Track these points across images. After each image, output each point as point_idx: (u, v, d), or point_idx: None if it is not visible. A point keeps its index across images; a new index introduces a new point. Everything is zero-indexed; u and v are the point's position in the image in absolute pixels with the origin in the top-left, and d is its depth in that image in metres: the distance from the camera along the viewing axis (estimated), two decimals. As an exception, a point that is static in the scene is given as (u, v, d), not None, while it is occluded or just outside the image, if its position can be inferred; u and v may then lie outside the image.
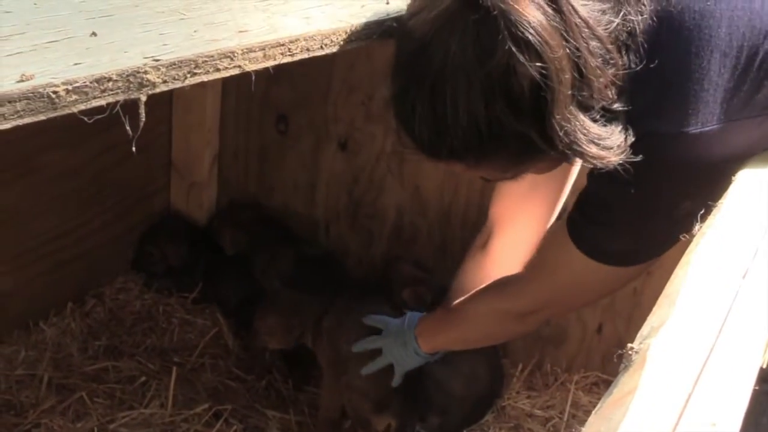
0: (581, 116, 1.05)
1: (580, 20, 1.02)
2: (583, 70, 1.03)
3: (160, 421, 1.95)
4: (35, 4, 1.01)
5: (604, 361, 2.16)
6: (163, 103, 2.35)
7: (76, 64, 0.84)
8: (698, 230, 1.03)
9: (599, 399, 0.88)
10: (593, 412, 0.74)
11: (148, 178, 2.42)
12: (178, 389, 2.02)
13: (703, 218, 1.06)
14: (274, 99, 2.35)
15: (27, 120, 0.78)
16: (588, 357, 2.19)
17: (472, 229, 2.01)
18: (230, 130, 2.45)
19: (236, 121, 2.43)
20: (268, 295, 2.17)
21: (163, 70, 0.89)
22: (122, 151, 2.21)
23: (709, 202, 1.09)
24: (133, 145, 0.92)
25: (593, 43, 1.03)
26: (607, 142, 1.08)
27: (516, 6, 0.98)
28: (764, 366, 0.84)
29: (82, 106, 0.82)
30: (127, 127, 0.87)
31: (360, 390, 1.83)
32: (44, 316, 2.19)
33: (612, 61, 1.06)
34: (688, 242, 1.02)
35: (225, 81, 2.36)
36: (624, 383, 0.75)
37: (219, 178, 2.50)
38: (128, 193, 2.35)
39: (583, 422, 0.85)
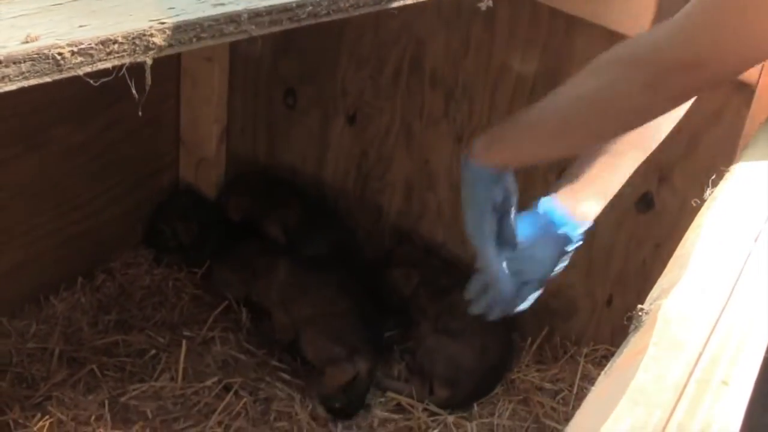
0: None
1: None
2: None
3: (171, 393, 1.96)
4: (40, -32, 1.00)
5: (614, 334, 2.15)
6: (170, 78, 2.34)
7: (81, 26, 0.83)
8: (710, 194, 1.02)
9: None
10: (603, 372, 0.74)
11: (156, 154, 2.42)
12: (188, 362, 2.03)
13: (715, 183, 1.05)
14: (281, 73, 2.34)
15: (32, 82, 0.78)
16: (597, 330, 2.18)
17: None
18: (238, 104, 2.44)
19: (244, 95, 2.42)
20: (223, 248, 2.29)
21: (169, 33, 0.89)
22: (130, 126, 2.21)
23: (722, 167, 1.07)
24: (139, 109, 0.91)
25: None
26: None
27: None
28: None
29: (88, 69, 0.82)
30: (134, 91, 0.87)
31: (327, 340, 1.89)
32: (55, 291, 2.19)
33: None
34: (700, 206, 1.01)
35: (232, 55, 2.37)
36: (634, 344, 0.74)
37: (227, 153, 2.49)
38: (137, 168, 2.35)
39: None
